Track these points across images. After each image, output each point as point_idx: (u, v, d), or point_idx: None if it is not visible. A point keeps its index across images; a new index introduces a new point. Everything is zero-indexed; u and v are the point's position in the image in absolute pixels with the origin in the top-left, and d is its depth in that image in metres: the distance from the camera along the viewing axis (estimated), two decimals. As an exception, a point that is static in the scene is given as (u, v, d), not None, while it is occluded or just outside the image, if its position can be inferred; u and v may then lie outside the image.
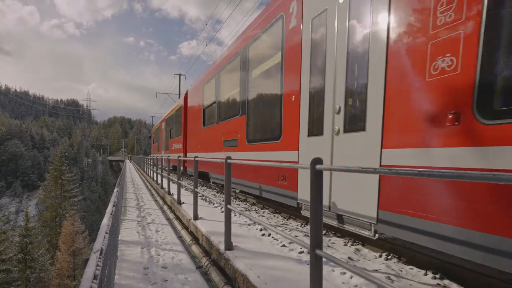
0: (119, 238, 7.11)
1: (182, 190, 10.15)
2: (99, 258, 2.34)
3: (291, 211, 6.52)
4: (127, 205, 11.93)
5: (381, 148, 3.48)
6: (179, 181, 8.39)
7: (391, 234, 3.35)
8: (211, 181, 10.67)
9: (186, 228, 7.28)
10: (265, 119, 6.55)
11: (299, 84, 5.18)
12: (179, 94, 36.23)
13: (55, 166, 37.38)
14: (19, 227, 26.40)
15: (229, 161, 4.31)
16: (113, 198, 6.08)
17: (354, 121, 3.94)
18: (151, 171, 19.43)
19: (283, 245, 4.36)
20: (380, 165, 3.49)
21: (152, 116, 73.05)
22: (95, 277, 1.98)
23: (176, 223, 8.33)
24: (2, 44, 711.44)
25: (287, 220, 6.17)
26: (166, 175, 11.23)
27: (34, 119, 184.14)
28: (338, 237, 4.85)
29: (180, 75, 36.93)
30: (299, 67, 5.17)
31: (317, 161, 2.14)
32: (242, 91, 7.64)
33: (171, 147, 18.77)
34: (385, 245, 4.09)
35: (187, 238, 6.75)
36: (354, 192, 3.88)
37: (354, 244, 4.41)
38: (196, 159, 6.53)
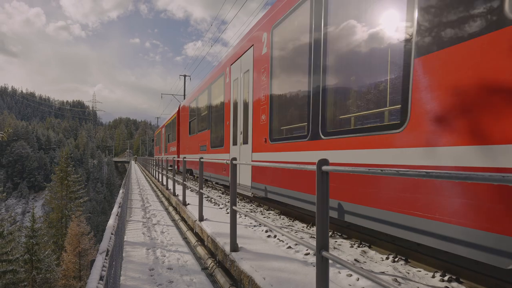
0: (125, 239, 7.14)
1: (187, 191, 10.17)
2: (105, 259, 2.36)
3: (297, 213, 6.51)
4: (132, 206, 11.99)
5: (252, 152, 7.19)
6: (184, 183, 8.42)
7: (256, 193, 7.06)
8: (194, 176, 15.21)
9: (191, 229, 7.29)
10: (217, 134, 10.14)
11: (229, 115, 8.91)
12: (184, 95, 36.35)
13: (61, 167, 37.65)
14: (25, 228, 26.62)
15: (234, 162, 4.31)
16: (118, 199, 6.11)
17: (245, 139, 7.66)
18: (156, 172, 19.50)
19: (289, 247, 4.35)
20: (251, 159, 7.16)
21: (157, 117, 73.35)
22: (101, 278, 1.99)
23: (181, 224, 8.35)
24: (9, 45, 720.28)
25: (293, 221, 6.16)
26: (172, 176, 11.26)
27: (40, 121, 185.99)
28: (345, 238, 4.83)
29: (185, 76, 37.05)
30: (229, 106, 8.96)
31: (323, 162, 2.13)
32: (208, 114, 11.20)
33: (169, 150, 21.82)
34: (392, 247, 4.07)
35: (193, 239, 6.76)
36: (244, 174, 7.71)
37: (361, 246, 4.39)
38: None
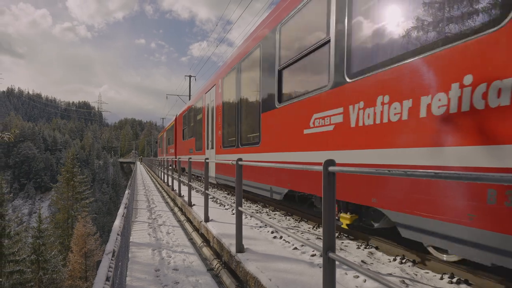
0: (131, 240, 7.18)
1: (193, 192, 10.20)
2: (111, 259, 2.37)
3: (303, 214, 6.50)
4: (138, 207, 12.04)
5: (215, 154, 10.19)
6: (189, 183, 8.44)
7: (217, 181, 10.12)
8: (185, 172, 18.06)
9: (197, 230, 7.31)
10: (199, 141, 13.09)
11: (205, 128, 11.87)
12: (189, 95, 36.46)
13: (67, 168, 37.94)
14: (32, 229, 26.86)
15: (240, 163, 4.32)
16: (124, 200, 6.14)
17: (212, 145, 10.71)
18: (162, 173, 19.59)
19: (295, 248, 4.34)
20: (215, 158, 10.24)
21: (163, 118, 73.65)
22: (107, 279, 2.00)
23: (187, 225, 8.37)
24: (15, 47, 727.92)
25: (298, 222, 6.15)
26: (177, 177, 11.31)
27: (47, 122, 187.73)
28: (351, 240, 4.81)
29: (190, 76, 37.17)
30: (205, 122, 11.89)
31: (330, 162, 2.13)
32: (194, 125, 14.47)
33: (169, 151, 25.35)
34: (400, 249, 4.05)
35: (198, 240, 6.77)
36: (211, 168, 10.57)
37: (368, 247, 4.37)
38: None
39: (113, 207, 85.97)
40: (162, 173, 19.39)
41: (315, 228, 5.60)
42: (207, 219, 6.27)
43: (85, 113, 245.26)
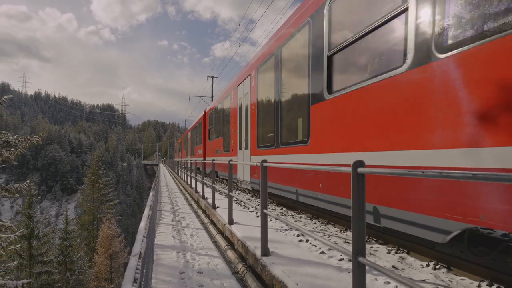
0: (155, 242, 7.32)
1: (217, 194, 10.30)
2: (138, 261, 2.43)
3: (331, 217, 6.43)
4: (162, 209, 12.27)
5: (250, 155, 9.36)
6: (213, 185, 8.52)
7: (253, 187, 9.37)
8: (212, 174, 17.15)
9: (221, 232, 7.37)
10: (227, 141, 12.70)
11: (237, 127, 11.14)
12: (212, 97, 36.81)
13: (92, 170, 39.10)
14: (59, 230, 27.83)
15: (265, 164, 4.32)
16: (149, 202, 6.28)
17: (246, 146, 9.95)
18: (185, 175, 19.88)
19: (322, 252, 4.30)
20: (250, 160, 9.22)
21: (185, 120, 74.70)
22: (135, 280, 2.05)
23: (210, 227, 8.46)
24: (42, 51, 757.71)
25: (325, 225, 6.09)
26: (200, 179, 11.44)
27: (72, 124, 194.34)
28: (381, 244, 4.72)
29: (212, 77, 37.54)
30: (236, 120, 11.24)
31: (358, 164, 2.10)
32: (222, 124, 14.01)
33: (196, 152, 23.60)
34: (433, 254, 3.94)
35: (222, 243, 6.83)
36: (245, 171, 10.12)
37: (398, 252, 4.28)
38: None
39: (137, 209, 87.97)
40: (185, 175, 19.68)
41: (342, 231, 5.53)
42: (231, 222, 6.31)
43: (109, 116, 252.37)
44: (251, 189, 10.42)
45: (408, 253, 4.23)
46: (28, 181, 14.25)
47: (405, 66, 3.56)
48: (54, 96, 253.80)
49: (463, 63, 2.91)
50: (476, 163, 2.80)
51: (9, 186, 12.77)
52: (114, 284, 23.73)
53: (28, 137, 11.20)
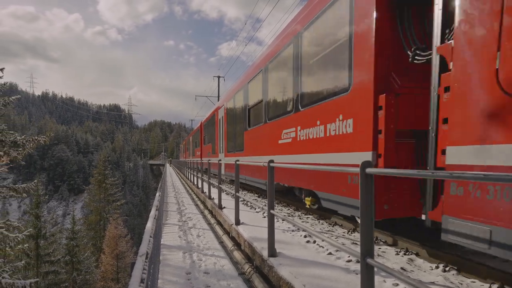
0: (161, 242, 7.35)
1: (223, 195, 10.31)
2: (145, 262, 2.44)
3: (339, 219, 6.41)
4: (168, 209, 12.32)
5: (224, 157, 14.06)
6: (220, 186, 8.54)
7: (227, 177, 15.26)
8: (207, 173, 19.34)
9: (227, 233, 7.38)
10: (213, 147, 16.96)
11: (218, 137, 15.56)
12: (218, 96, 36.90)
13: (99, 170, 39.39)
14: (66, 230, 28.11)
15: (272, 164, 4.32)
16: (155, 202, 6.31)
17: (221, 151, 14.67)
18: (191, 175, 19.96)
19: (330, 253, 4.29)
20: (220, 160, 10.55)
21: (192, 120, 74.89)
22: (141, 281, 2.07)
23: (217, 228, 8.48)
24: (49, 52, 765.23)
25: (332, 226, 6.07)
26: (207, 179, 11.47)
27: (79, 124, 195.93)
28: (389, 245, 4.69)
29: (219, 77, 37.64)
30: (218, 132, 15.46)
31: (367, 164, 2.09)
32: (210, 134, 18.15)
33: (196, 154, 28.67)
34: (442, 256, 3.90)
35: (229, 243, 6.84)
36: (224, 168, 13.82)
37: (407, 253, 4.25)
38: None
39: (143, 209, 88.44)
40: (191, 175, 19.75)
41: (350, 232, 5.50)
42: (237, 222, 6.32)
43: (115, 116, 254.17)
44: (225, 179, 16.28)
45: (417, 255, 4.20)
46: (35, 181, 14.41)
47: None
48: (61, 96, 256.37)
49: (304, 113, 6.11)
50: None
51: (17, 186, 12.92)
52: (121, 284, 23.88)
53: (36, 137, 11.33)
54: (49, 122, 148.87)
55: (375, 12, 4.02)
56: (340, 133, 4.81)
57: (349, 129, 4.59)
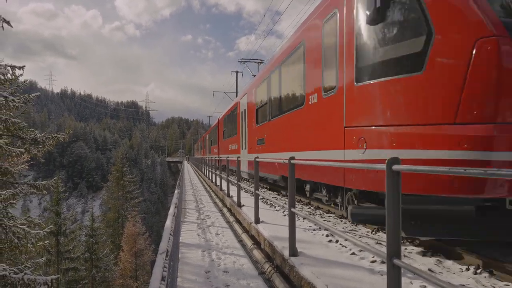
0: (180, 240, 7.45)
1: (242, 192, 10.36)
2: (165, 259, 2.48)
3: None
4: (186, 207, 12.47)
5: (247, 153, 13.61)
6: (239, 183, 8.58)
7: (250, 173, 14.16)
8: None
9: (246, 231, 7.41)
10: (236, 141, 17.04)
11: (240, 131, 15.53)
12: (236, 92, 36.98)
13: (117, 167, 40.18)
14: (85, 227, 28.87)
15: (292, 161, 4.31)
16: (174, 200, 6.39)
17: (244, 147, 14.54)
18: (209, 173, 20.13)
19: (353, 253, 4.25)
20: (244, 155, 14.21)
21: (209, 116, 75.36)
22: (162, 278, 2.10)
23: (236, 226, 8.53)
24: (68, 49, 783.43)
25: (355, 225, 6.01)
26: (225, 177, 11.54)
27: (97, 122, 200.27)
28: (416, 246, 4.61)
29: (237, 72, 37.72)
30: (239, 127, 15.59)
31: (394, 161, 2.06)
32: (232, 128, 18.48)
33: (213, 151, 29.64)
34: (473, 257, 3.81)
35: (248, 242, 6.87)
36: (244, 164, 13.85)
37: (435, 254, 4.16)
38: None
39: (161, 207, 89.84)
40: (209, 173, 19.92)
41: (374, 232, 5.44)
42: (257, 221, 6.34)
43: (133, 113, 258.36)
44: (248, 176, 15.62)
45: (446, 256, 4.11)
46: (55, 178, 14.79)
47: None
48: (80, 93, 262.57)
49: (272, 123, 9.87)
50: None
51: (37, 183, 13.31)
52: (139, 282, 24.37)
53: (55, 135, 11.62)
54: (68, 120, 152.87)
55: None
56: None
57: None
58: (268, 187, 13.14)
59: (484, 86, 3.58)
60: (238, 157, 9.72)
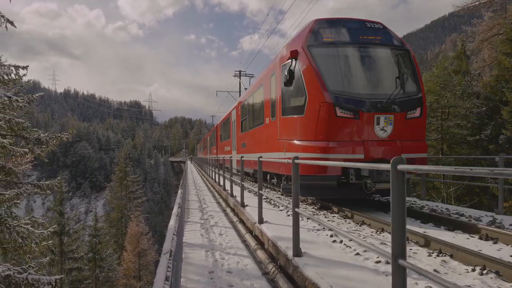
0: (183, 240, 7.46)
1: (245, 192, 10.36)
2: (169, 259, 2.48)
3: (364, 217, 6.32)
4: (190, 207, 12.48)
5: (236, 153, 17.36)
6: (242, 183, 8.58)
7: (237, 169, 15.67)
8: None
9: (250, 232, 7.41)
10: (229, 144, 20.70)
11: (232, 136, 19.01)
12: (240, 92, 37.01)
13: (120, 167, 40.24)
14: (88, 227, 28.99)
15: (296, 161, 4.30)
16: (177, 200, 6.40)
17: (234, 149, 18.16)
18: (212, 172, 20.15)
19: (357, 253, 4.25)
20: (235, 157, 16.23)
21: (212, 116, 75.42)
22: (166, 278, 2.10)
23: (239, 226, 8.53)
24: (71, 48, 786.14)
25: (360, 226, 6.00)
26: (229, 177, 11.55)
27: (100, 121, 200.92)
28: (421, 246, 4.60)
29: (240, 72, 37.71)
30: (232, 132, 18.91)
31: (398, 160, 2.05)
32: (227, 132, 21.55)
33: (212, 151, 33.76)
34: (479, 258, 3.79)
35: (252, 242, 6.87)
36: (234, 162, 12.51)
37: (440, 255, 4.15)
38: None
39: (164, 207, 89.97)
40: (213, 173, 19.93)
41: (378, 232, 5.43)
42: (261, 221, 6.34)
43: (136, 112, 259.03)
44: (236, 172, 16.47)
45: (451, 256, 4.09)
46: (58, 178, 14.86)
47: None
48: (83, 93, 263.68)
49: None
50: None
51: (41, 183, 13.38)
52: (143, 282, 24.42)
53: (59, 134, 11.67)
54: (71, 119, 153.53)
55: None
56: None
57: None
58: (252, 180, 16.91)
59: (323, 125, 7.12)
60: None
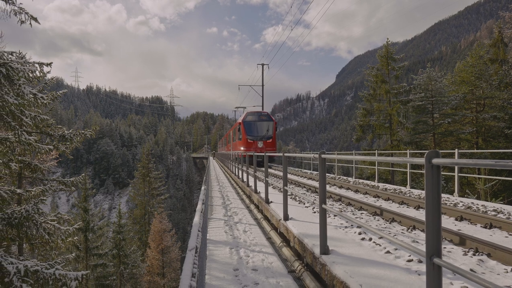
0: (207, 237, 7.56)
1: (269, 189, 10.37)
2: (195, 256, 2.52)
3: (394, 215, 6.22)
4: (213, 204, 12.62)
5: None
6: (266, 179, 8.59)
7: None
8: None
9: (275, 229, 7.43)
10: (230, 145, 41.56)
11: (228, 141, 44.48)
12: (262, 86, 37.05)
13: (143, 164, 41.09)
14: (112, 224, 29.77)
15: (323, 156, 4.27)
16: (201, 196, 6.48)
17: (231, 149, 40.43)
18: (236, 168, 20.29)
19: (388, 252, 4.18)
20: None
21: (235, 110, 75.62)
22: (193, 275, 2.14)
23: (264, 223, 8.56)
24: (94, 45, 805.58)
25: (390, 223, 5.91)
26: (253, 173, 11.59)
27: (123, 118, 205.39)
28: (456, 245, 4.49)
29: (263, 65, 37.73)
30: (228, 139, 45.69)
31: (433, 154, 2.00)
32: (229, 139, 45.16)
33: (227, 148, 44.94)
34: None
35: (277, 239, 6.88)
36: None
37: (477, 254, 4.04)
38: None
39: (187, 203, 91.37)
40: (235, 169, 20.05)
41: (410, 230, 5.33)
42: (286, 218, 6.33)
43: (158, 108, 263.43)
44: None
45: (488, 255, 3.98)
46: (83, 174, 15.31)
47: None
48: (105, 89, 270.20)
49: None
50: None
51: (65, 179, 13.83)
52: (166, 279, 24.91)
53: (82, 131, 12.01)
54: (94, 116, 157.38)
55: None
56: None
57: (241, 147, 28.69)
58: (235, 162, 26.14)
59: (245, 143, 28.83)
60: (265, 153, 13.13)
